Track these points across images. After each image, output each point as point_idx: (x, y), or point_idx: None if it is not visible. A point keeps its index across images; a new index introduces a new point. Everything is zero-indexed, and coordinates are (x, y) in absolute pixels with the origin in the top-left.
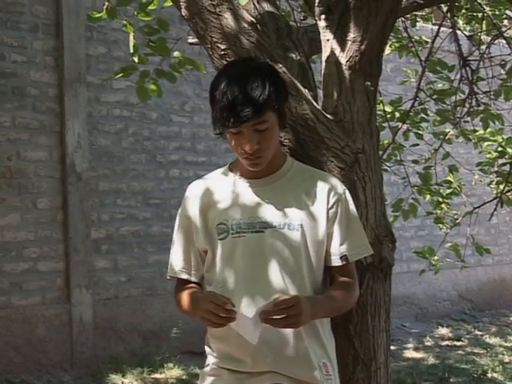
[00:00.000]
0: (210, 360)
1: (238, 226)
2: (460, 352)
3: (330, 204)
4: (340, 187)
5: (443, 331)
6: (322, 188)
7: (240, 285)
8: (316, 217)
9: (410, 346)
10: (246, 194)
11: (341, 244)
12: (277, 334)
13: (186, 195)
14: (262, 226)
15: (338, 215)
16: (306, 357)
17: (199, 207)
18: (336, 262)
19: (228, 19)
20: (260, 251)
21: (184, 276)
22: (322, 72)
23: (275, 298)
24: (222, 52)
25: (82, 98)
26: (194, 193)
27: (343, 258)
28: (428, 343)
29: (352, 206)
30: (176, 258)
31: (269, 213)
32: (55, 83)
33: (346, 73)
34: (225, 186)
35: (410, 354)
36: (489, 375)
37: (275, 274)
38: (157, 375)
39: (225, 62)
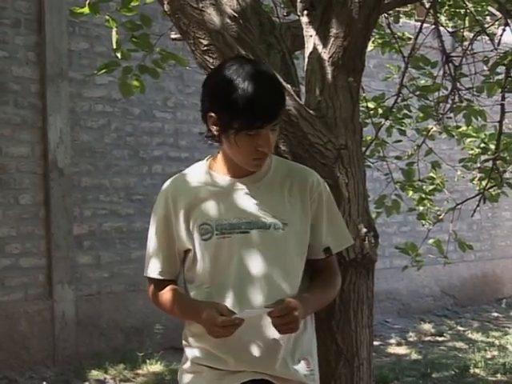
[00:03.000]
0: (189, 356)
1: (223, 226)
2: (442, 347)
3: (312, 199)
4: (319, 182)
5: (426, 327)
6: (303, 184)
7: (227, 286)
8: (299, 213)
9: (392, 341)
10: (231, 193)
11: (323, 237)
12: (258, 333)
13: (165, 192)
14: (247, 226)
15: (320, 209)
16: (287, 354)
17: (180, 206)
18: (319, 254)
19: (211, 15)
20: (247, 252)
21: (163, 277)
22: (305, 68)
23: (271, 310)
24: (205, 47)
25: (64, 94)
26: (174, 190)
27: (326, 250)
28: (411, 339)
29: (331, 199)
30: (154, 259)
31: (254, 213)
32: (37, 79)
33: (329, 69)
34: (207, 185)
35: (392, 349)
36: (471, 371)
37: (263, 275)
38: (139, 371)
39: (207, 58)
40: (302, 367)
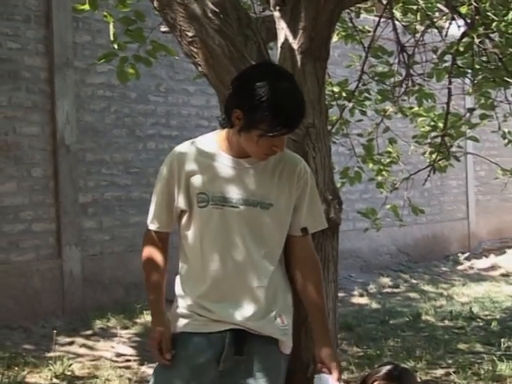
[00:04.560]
0: (180, 303)
1: (217, 198)
2: (398, 298)
3: (298, 185)
4: (306, 170)
5: (384, 280)
6: (292, 170)
7: (214, 251)
8: (285, 196)
9: (355, 293)
10: (229, 170)
11: (302, 218)
12: (240, 291)
13: (172, 156)
14: (238, 202)
15: (303, 195)
16: (264, 311)
17: (184, 171)
18: (297, 232)
19: (195, 10)
20: (234, 224)
21: (159, 230)
22: (278, 57)
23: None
24: (190, 39)
25: (69, 81)
26: (181, 156)
27: (303, 229)
28: (371, 291)
29: (314, 187)
30: (155, 213)
31: (245, 191)
32: (46, 67)
33: (298, 57)
34: (211, 158)
35: (355, 300)
36: (423, 317)
37: (246, 245)
38: (137, 320)
39: (192, 48)
40: (277, 323)
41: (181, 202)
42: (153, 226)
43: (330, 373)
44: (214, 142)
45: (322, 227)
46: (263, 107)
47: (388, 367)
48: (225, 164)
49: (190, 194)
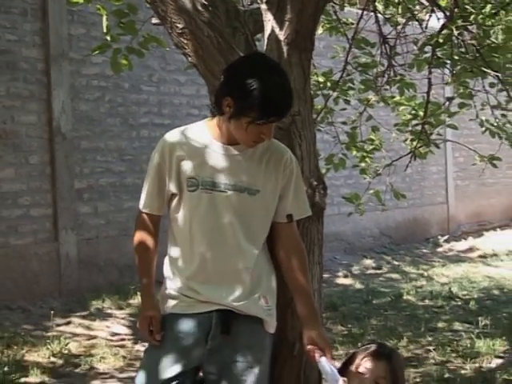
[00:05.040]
0: (169, 284)
1: (207, 183)
2: (381, 279)
3: (284, 173)
4: (292, 159)
5: (367, 262)
6: (278, 159)
7: (202, 234)
8: (271, 183)
9: (340, 274)
10: (219, 156)
11: (288, 206)
12: (226, 274)
13: (164, 142)
14: (226, 187)
15: (289, 183)
16: (249, 293)
17: (175, 157)
18: (282, 219)
19: (184, 2)
20: (222, 208)
21: (151, 212)
22: (264, 48)
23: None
24: (180, 31)
25: (65, 71)
26: (172, 142)
27: (289, 216)
28: (355, 272)
29: (299, 175)
30: (146, 197)
31: (234, 177)
32: (42, 58)
33: (285, 48)
34: (201, 144)
35: (340, 281)
36: (404, 297)
37: (233, 229)
38: (131, 301)
39: (182, 39)
40: (261, 304)
41: (172, 186)
42: (145, 209)
43: (323, 353)
44: (205, 129)
45: (306, 214)
46: (253, 96)
47: (376, 346)
48: (214, 150)
49: (180, 179)
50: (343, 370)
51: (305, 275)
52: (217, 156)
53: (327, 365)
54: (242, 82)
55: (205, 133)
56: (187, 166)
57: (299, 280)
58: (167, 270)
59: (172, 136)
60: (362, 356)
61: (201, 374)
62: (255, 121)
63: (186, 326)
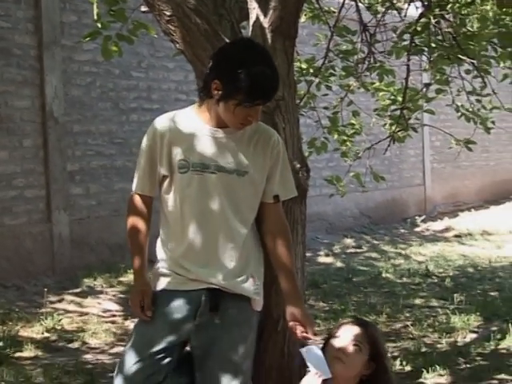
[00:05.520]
0: (161, 263)
1: (197, 165)
2: (361, 257)
3: (271, 155)
4: (279, 141)
5: (348, 241)
6: (266, 141)
7: (192, 214)
8: (259, 165)
9: (321, 253)
10: (208, 139)
11: (275, 187)
12: (216, 255)
13: (155, 126)
14: (215, 168)
15: (276, 164)
16: (238, 272)
17: (165, 140)
18: (269, 199)
19: None
20: (212, 188)
21: (143, 193)
22: (250, 34)
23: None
24: (168, 18)
25: (57, 58)
26: (162, 126)
27: (275, 197)
28: (336, 251)
29: (286, 157)
30: (139, 179)
31: (223, 158)
32: (35, 45)
33: (269, 35)
34: (191, 128)
35: (322, 259)
36: (383, 275)
37: (223, 209)
38: (122, 279)
39: (170, 26)
40: (249, 283)
41: (163, 168)
42: (137, 191)
43: (305, 329)
44: (194, 113)
45: (292, 195)
46: (241, 79)
47: (355, 317)
48: (204, 133)
49: (171, 161)
50: (325, 343)
51: (289, 254)
52: (206, 139)
53: (316, 353)
54: (230, 65)
55: (194, 117)
56: (178, 148)
57: (283, 258)
58: (159, 249)
59: (163, 120)
60: (339, 325)
61: (188, 348)
62: (243, 103)
63: (176, 302)
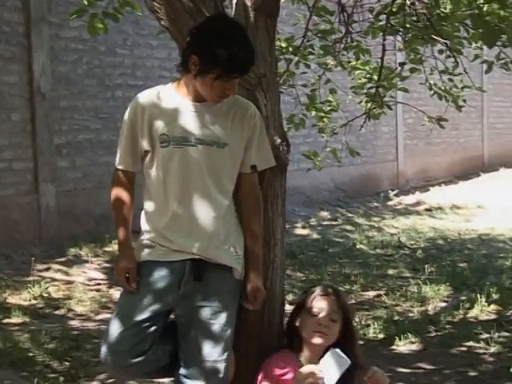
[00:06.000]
0: (145, 234)
1: (178, 138)
2: (336, 229)
3: (249, 126)
4: (256, 113)
5: (323, 214)
6: (243, 114)
7: (175, 187)
8: (238, 137)
9: (298, 225)
10: (187, 113)
11: (252, 157)
12: (198, 225)
13: (135, 102)
14: (196, 141)
15: (253, 136)
16: (220, 243)
17: (146, 115)
18: (247, 169)
19: None
20: (193, 161)
21: (126, 169)
22: (233, 13)
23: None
24: None
25: (45, 34)
26: (143, 102)
27: (253, 167)
28: (312, 223)
29: (263, 128)
30: (121, 154)
31: (203, 131)
32: (23, 22)
33: (251, 14)
34: (170, 103)
35: (299, 231)
36: (357, 246)
37: (204, 181)
38: (106, 249)
39: (155, 4)
40: (231, 253)
41: (144, 143)
42: (120, 166)
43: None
44: (173, 89)
45: (270, 165)
46: (217, 53)
47: (321, 287)
48: (183, 108)
49: (152, 136)
50: (297, 314)
51: (259, 222)
52: (186, 113)
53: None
54: (206, 40)
55: (173, 92)
56: (158, 123)
57: (253, 226)
58: (143, 221)
59: (143, 96)
60: (312, 298)
61: (172, 316)
62: (220, 77)
63: (161, 272)
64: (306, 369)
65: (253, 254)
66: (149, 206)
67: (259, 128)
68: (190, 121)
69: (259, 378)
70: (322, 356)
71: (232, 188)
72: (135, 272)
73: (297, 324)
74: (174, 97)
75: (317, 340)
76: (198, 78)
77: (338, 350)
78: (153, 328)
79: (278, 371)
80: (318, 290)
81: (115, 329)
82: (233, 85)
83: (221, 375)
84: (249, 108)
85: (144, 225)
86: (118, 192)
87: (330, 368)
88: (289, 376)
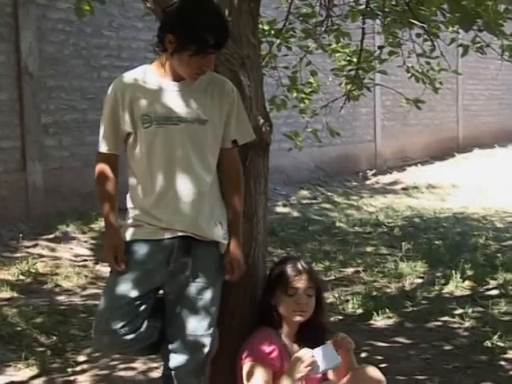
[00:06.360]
0: (132, 214)
1: (159, 118)
2: (316, 208)
3: (227, 102)
4: (233, 89)
5: (304, 193)
6: (221, 90)
7: (160, 166)
8: (217, 113)
9: (279, 203)
10: (167, 92)
11: (232, 132)
12: (185, 202)
13: (115, 85)
14: (178, 119)
15: (232, 111)
16: (206, 219)
17: (126, 97)
18: (228, 144)
19: None
20: (177, 139)
21: (109, 152)
22: None
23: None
24: None
25: (32, 15)
26: (122, 85)
27: (233, 142)
28: (293, 202)
29: (241, 103)
30: (104, 138)
31: (184, 109)
32: (11, 3)
33: None
34: (150, 84)
35: (279, 209)
36: (337, 224)
37: (188, 158)
38: (92, 226)
39: None
40: (218, 229)
41: (126, 125)
42: (103, 149)
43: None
44: (151, 70)
45: (250, 138)
46: (192, 30)
47: (291, 263)
48: (162, 87)
49: (134, 117)
50: (272, 292)
51: (239, 195)
52: (166, 93)
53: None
54: (180, 18)
55: (152, 73)
56: (139, 104)
57: (233, 198)
58: (129, 202)
59: (122, 80)
60: (286, 280)
61: (161, 291)
62: (196, 54)
63: (149, 250)
64: (302, 353)
65: (233, 226)
66: (134, 186)
67: (237, 103)
68: (170, 100)
69: (244, 355)
70: (300, 329)
71: (215, 164)
72: (123, 252)
73: (273, 302)
74: (152, 77)
75: (298, 318)
76: (174, 56)
77: (331, 346)
78: (143, 306)
79: (265, 349)
80: (290, 270)
81: (106, 308)
82: (209, 61)
83: (206, 349)
84: (226, 84)
85: (130, 205)
86: (102, 175)
87: (323, 360)
88: (275, 354)
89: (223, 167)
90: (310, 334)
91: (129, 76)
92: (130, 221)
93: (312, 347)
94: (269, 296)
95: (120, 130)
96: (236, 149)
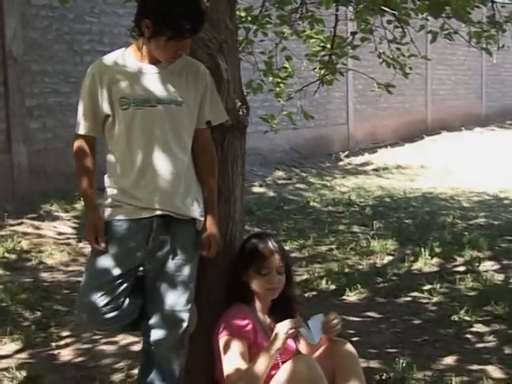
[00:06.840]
0: (110, 194)
1: (138, 100)
2: (291, 188)
3: (201, 84)
4: (206, 72)
5: (279, 173)
6: (195, 73)
7: (138, 146)
8: (192, 95)
9: (256, 184)
10: (144, 75)
11: (206, 113)
12: (162, 182)
13: (93, 68)
14: (155, 101)
15: (205, 92)
16: (183, 197)
17: (105, 80)
18: (202, 125)
19: None
20: (155, 120)
21: (88, 134)
22: None
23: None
24: None
25: (16, 1)
26: (100, 67)
27: (208, 123)
28: (269, 182)
29: (214, 85)
30: (82, 120)
31: (161, 92)
32: None
33: None
34: (128, 67)
35: (256, 189)
36: (311, 204)
37: (166, 138)
38: (76, 205)
39: None
40: (195, 206)
41: (105, 107)
42: (81, 132)
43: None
44: (129, 53)
45: (223, 119)
46: (168, 15)
47: (262, 243)
48: (140, 70)
49: (112, 100)
50: (243, 270)
51: (213, 175)
52: (144, 75)
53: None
54: (157, 3)
55: (129, 57)
56: (117, 87)
57: (208, 178)
58: (108, 183)
59: (100, 63)
60: (258, 261)
61: (141, 269)
62: (172, 38)
63: (129, 230)
64: (286, 321)
65: (208, 203)
66: (113, 166)
67: (210, 85)
68: (149, 83)
69: (220, 329)
70: (272, 302)
71: (190, 144)
72: (103, 231)
73: (244, 279)
74: (130, 61)
75: (271, 296)
76: (151, 40)
77: (321, 319)
78: (124, 285)
79: (239, 323)
80: (262, 251)
81: (88, 288)
82: (185, 45)
83: (185, 324)
84: (199, 67)
85: (109, 186)
86: (81, 157)
87: (312, 331)
88: (249, 327)
89: (198, 148)
90: (280, 307)
91: (107, 59)
92: (108, 200)
93: (283, 319)
94: (240, 272)
95: (98, 110)
96: (209, 130)
